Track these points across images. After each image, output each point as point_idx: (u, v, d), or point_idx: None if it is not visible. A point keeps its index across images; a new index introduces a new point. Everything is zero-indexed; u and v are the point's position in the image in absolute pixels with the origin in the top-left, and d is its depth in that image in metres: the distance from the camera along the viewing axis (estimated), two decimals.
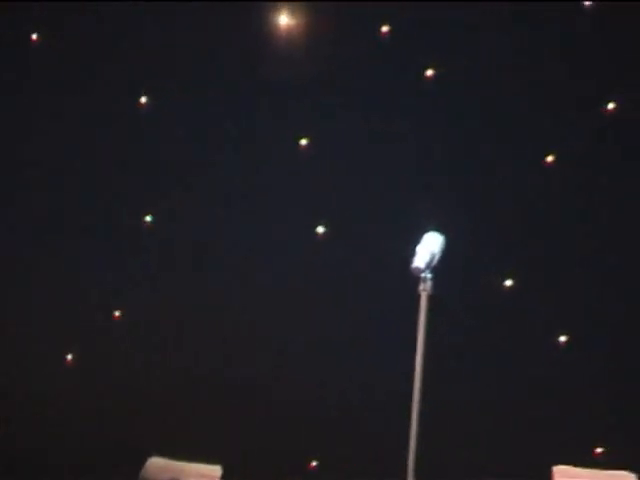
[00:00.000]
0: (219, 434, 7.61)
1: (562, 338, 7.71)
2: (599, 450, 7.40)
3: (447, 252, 4.28)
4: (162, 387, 7.93)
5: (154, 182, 8.25)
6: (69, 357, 8.20)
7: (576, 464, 5.65)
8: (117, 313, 8.22)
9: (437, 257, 4.19)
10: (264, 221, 8.13)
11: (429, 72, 8.03)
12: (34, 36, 8.34)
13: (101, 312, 8.20)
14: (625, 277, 7.63)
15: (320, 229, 8.15)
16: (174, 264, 8.17)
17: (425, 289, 4.04)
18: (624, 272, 7.62)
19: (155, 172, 8.24)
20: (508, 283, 7.85)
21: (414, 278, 4.07)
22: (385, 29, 8.07)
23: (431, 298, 4.03)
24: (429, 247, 4.18)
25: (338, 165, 8.11)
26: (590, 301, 7.63)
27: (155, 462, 6.04)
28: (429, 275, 4.08)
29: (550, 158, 7.88)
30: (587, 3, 7.81)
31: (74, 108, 8.26)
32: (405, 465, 3.82)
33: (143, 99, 8.34)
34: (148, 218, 8.28)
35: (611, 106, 7.79)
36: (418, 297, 4.07)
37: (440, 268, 4.18)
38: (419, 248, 4.18)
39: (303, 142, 8.25)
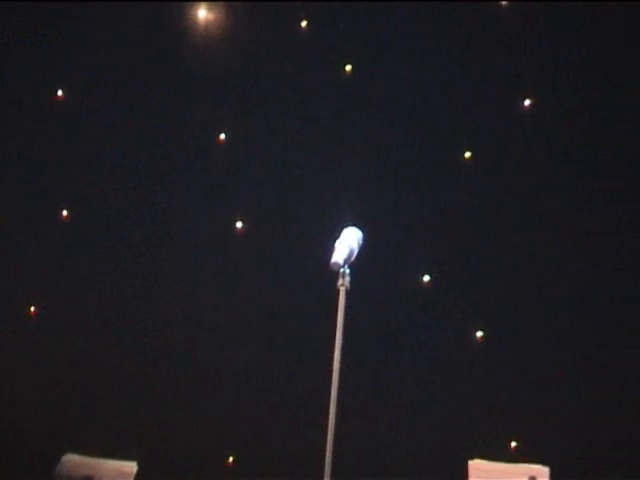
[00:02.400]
0: (135, 431, 7.55)
1: (479, 334, 7.78)
2: (513, 444, 7.48)
3: (365, 248, 4.28)
4: (77, 384, 7.85)
5: (71, 176, 8.18)
6: None
7: (491, 458, 5.71)
8: (33, 309, 8.12)
9: (355, 252, 4.19)
10: (182, 215, 8.09)
11: (348, 67, 8.06)
12: None
13: (18, 308, 8.09)
14: (540, 274, 7.72)
15: (239, 224, 8.14)
16: (93, 259, 8.10)
17: (343, 284, 4.03)
18: (539, 269, 7.72)
19: (73, 166, 8.18)
20: (426, 279, 7.91)
21: (333, 273, 4.07)
22: (304, 24, 8.09)
23: (349, 293, 4.03)
24: (348, 242, 4.18)
25: (257, 160, 8.10)
26: (506, 298, 7.71)
27: (70, 459, 5.98)
28: (347, 270, 4.07)
29: (467, 154, 7.95)
30: (503, 3, 7.90)
31: None
32: (322, 463, 3.82)
33: (60, 92, 8.27)
34: (64, 212, 8.21)
35: (527, 103, 7.90)
36: (336, 292, 4.07)
37: (358, 263, 4.18)
38: (338, 243, 4.17)
39: (222, 137, 8.23)
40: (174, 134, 8.15)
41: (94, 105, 8.20)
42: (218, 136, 8.22)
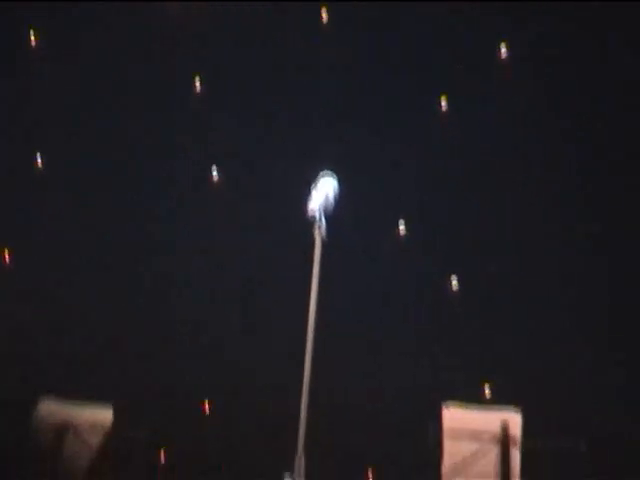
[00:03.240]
0: (112, 377, 7.57)
1: (453, 281, 7.82)
2: (487, 390, 7.54)
3: (341, 196, 4.29)
4: (53, 329, 7.85)
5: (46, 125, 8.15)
6: None
7: (465, 402, 5.77)
8: (7, 253, 8.11)
9: (332, 200, 4.19)
10: (159, 164, 8.06)
11: (324, 14, 8.04)
12: None
13: None
14: (516, 221, 7.75)
15: (214, 174, 8.12)
16: (66, 206, 8.08)
17: (319, 232, 4.04)
18: (516, 216, 7.75)
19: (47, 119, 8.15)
20: (402, 227, 7.93)
21: (309, 221, 4.08)
22: None
23: (325, 243, 4.04)
24: (324, 190, 4.18)
25: (232, 108, 8.07)
26: (482, 245, 7.74)
27: (47, 405, 6.00)
28: (323, 218, 4.08)
29: (444, 103, 7.96)
30: None
31: None
32: (298, 408, 3.85)
33: None
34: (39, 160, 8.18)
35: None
36: (312, 240, 4.08)
37: (334, 212, 4.19)
38: (314, 191, 4.17)
39: (197, 84, 8.19)
40: (149, 84, 8.09)
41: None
42: (193, 85, 8.18)
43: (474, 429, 5.63)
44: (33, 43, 8.29)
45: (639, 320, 7.38)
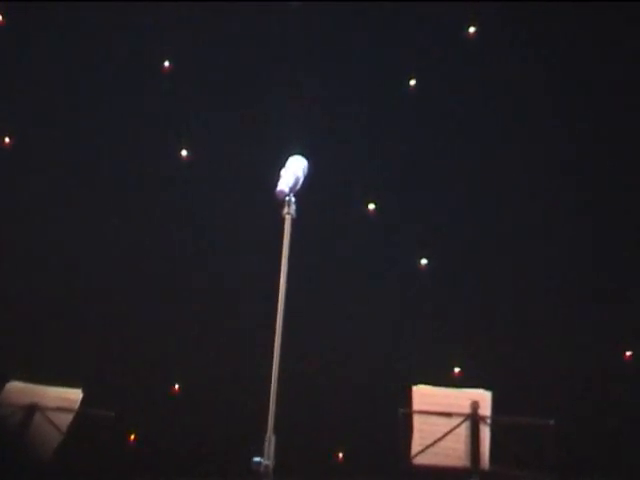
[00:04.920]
0: (80, 359, 7.54)
1: (423, 261, 7.84)
2: (457, 370, 7.58)
3: (311, 176, 4.27)
4: (21, 311, 7.80)
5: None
6: None
7: (435, 384, 5.78)
8: None
9: (301, 181, 4.17)
10: (128, 143, 8.03)
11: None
12: None
13: None
14: (485, 201, 7.79)
15: (184, 152, 8.10)
16: (41, 181, 8.04)
17: (289, 212, 4.01)
18: (485, 196, 7.78)
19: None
20: (371, 207, 7.93)
21: (278, 201, 4.05)
22: None
23: (295, 222, 4.02)
24: (293, 171, 4.15)
25: (204, 87, 8.05)
26: (450, 225, 7.77)
27: (14, 386, 5.97)
28: (293, 199, 4.05)
29: (412, 82, 7.96)
30: None
31: None
32: (268, 388, 3.84)
33: None
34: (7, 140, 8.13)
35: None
36: (282, 220, 4.06)
37: (304, 192, 4.17)
38: (283, 172, 4.15)
39: (166, 64, 8.15)
40: (118, 62, 8.05)
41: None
42: (163, 64, 8.14)
43: (444, 409, 5.65)
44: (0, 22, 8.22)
45: (607, 302, 7.43)
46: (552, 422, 5.48)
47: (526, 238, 7.67)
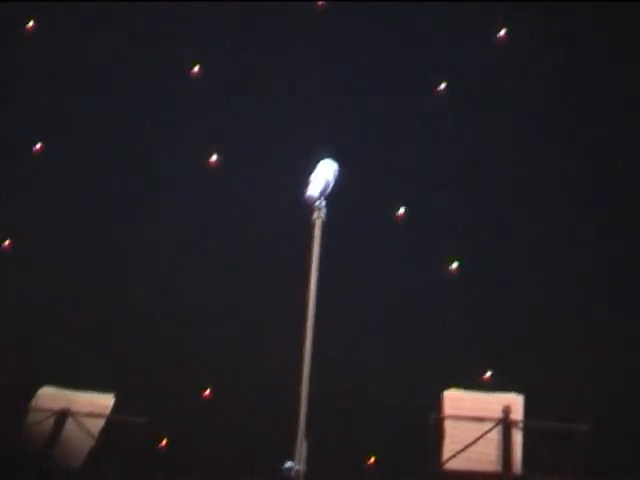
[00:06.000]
0: (112, 365, 7.55)
1: (454, 264, 7.81)
2: (488, 374, 7.54)
3: (341, 181, 4.26)
4: (54, 316, 7.83)
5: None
6: None
7: (466, 388, 5.76)
8: (8, 241, 8.09)
9: (331, 185, 4.16)
10: (157, 148, 8.05)
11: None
12: None
13: None
14: (518, 204, 7.74)
15: (214, 157, 8.11)
16: (67, 189, 8.08)
17: (319, 217, 4.01)
18: (517, 199, 7.74)
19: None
20: (401, 211, 7.91)
21: (308, 206, 4.05)
22: None
23: (325, 227, 4.01)
24: (323, 175, 4.15)
25: (233, 91, 8.06)
26: (482, 227, 7.73)
27: (46, 391, 6.00)
28: (323, 203, 4.05)
29: (442, 86, 7.95)
30: None
31: None
32: (298, 392, 3.84)
33: None
34: (38, 146, 8.17)
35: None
36: (312, 225, 4.05)
37: (334, 197, 4.17)
38: (313, 176, 4.14)
39: (196, 68, 8.17)
40: (150, 68, 8.08)
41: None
42: (192, 68, 8.16)
43: (476, 413, 5.62)
44: (30, 24, 8.27)
45: None
46: (586, 427, 5.45)
47: (559, 240, 7.62)
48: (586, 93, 7.68)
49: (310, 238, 3.97)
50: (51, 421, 5.87)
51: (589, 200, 7.65)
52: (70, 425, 5.88)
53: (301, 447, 3.71)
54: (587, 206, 7.64)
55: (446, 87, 7.92)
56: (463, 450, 5.57)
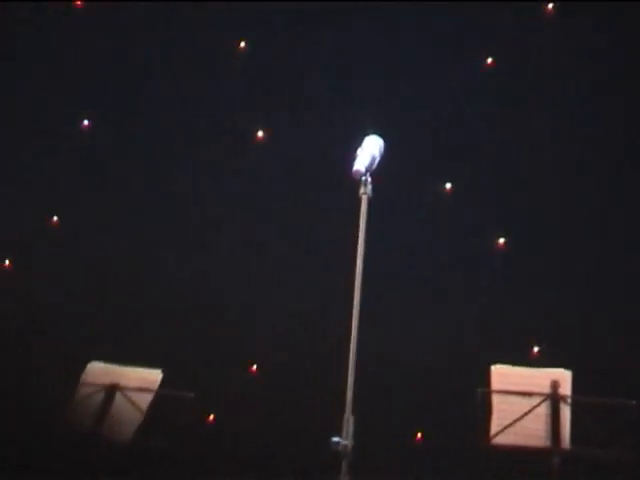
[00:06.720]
0: (159, 340, 7.60)
1: (500, 240, 7.78)
2: (536, 349, 7.52)
3: (387, 156, 4.25)
4: (102, 291, 7.90)
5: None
6: (6, 262, 8.13)
7: (514, 364, 5.75)
8: (56, 218, 8.16)
9: (377, 160, 4.15)
10: (205, 123, 8.08)
11: None
12: None
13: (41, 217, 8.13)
14: (563, 181, 7.70)
15: (260, 133, 8.12)
16: (111, 168, 8.13)
17: (365, 192, 4.01)
18: (562, 176, 7.69)
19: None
20: (448, 186, 7.89)
21: (355, 181, 4.05)
22: None
23: (371, 203, 4.01)
24: (369, 150, 4.14)
25: (278, 68, 8.06)
26: (528, 203, 7.70)
27: (95, 366, 6.05)
28: (369, 179, 4.05)
29: (490, 60, 7.90)
30: None
31: None
32: (345, 370, 3.85)
33: None
34: (85, 122, 8.23)
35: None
36: (358, 201, 4.05)
37: (380, 172, 4.16)
38: (359, 151, 4.14)
39: (242, 44, 8.18)
40: (194, 45, 8.09)
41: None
42: (239, 45, 8.17)
43: (523, 388, 5.61)
44: (78, 5, 8.31)
45: None
46: (635, 402, 5.42)
47: (609, 215, 7.57)
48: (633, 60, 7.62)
49: (357, 214, 3.97)
50: (101, 396, 5.93)
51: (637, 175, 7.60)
52: (119, 400, 5.94)
53: (349, 423, 3.72)
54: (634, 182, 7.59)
55: (493, 62, 7.86)
56: (511, 425, 5.57)
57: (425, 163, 7.79)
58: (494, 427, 5.62)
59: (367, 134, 4.26)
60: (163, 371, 6.06)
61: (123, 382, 5.97)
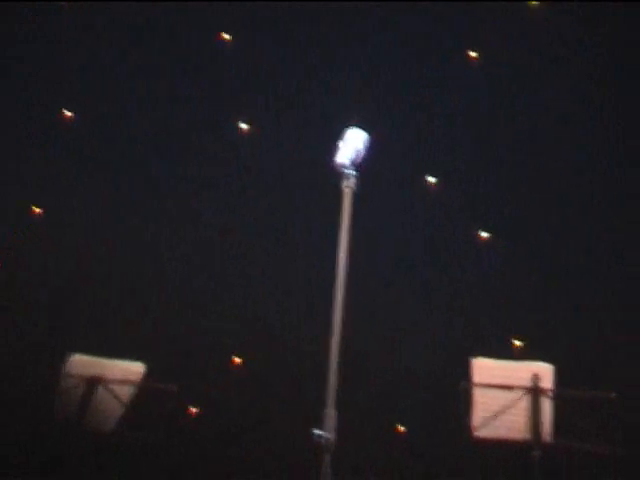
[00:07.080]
0: (142, 333, 7.59)
1: (483, 234, 7.79)
2: (517, 343, 7.53)
3: (371, 149, 4.25)
4: (84, 284, 7.88)
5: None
6: None
7: (495, 357, 5.76)
8: (39, 210, 8.13)
9: (361, 154, 4.14)
10: (187, 115, 8.06)
11: None
12: None
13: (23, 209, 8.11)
14: (547, 174, 7.71)
15: (243, 125, 8.11)
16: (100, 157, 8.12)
17: (349, 185, 4.00)
18: (546, 169, 7.71)
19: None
20: (432, 180, 7.90)
21: (338, 174, 4.05)
22: None
23: (356, 196, 4.01)
24: (352, 144, 4.13)
25: (261, 60, 8.05)
26: (511, 197, 7.71)
27: (78, 358, 6.03)
28: (353, 172, 4.04)
29: (473, 54, 7.90)
30: None
31: None
32: (327, 361, 3.85)
33: None
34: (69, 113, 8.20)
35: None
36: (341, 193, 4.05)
37: (364, 165, 4.16)
38: (341, 144, 4.13)
39: (226, 36, 8.17)
40: (178, 37, 8.08)
41: None
42: (223, 40, 8.17)
43: (505, 381, 5.62)
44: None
45: None
46: (614, 395, 5.44)
47: (592, 210, 7.59)
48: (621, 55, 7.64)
49: (339, 207, 3.98)
50: (82, 387, 5.91)
51: (625, 171, 7.61)
52: (101, 392, 5.92)
53: (329, 416, 3.72)
54: (622, 179, 7.60)
55: (478, 56, 7.87)
56: (493, 418, 5.58)
57: (409, 157, 7.79)
58: (476, 420, 5.62)
59: (348, 126, 4.25)
60: (147, 364, 6.05)
61: (105, 374, 5.95)
